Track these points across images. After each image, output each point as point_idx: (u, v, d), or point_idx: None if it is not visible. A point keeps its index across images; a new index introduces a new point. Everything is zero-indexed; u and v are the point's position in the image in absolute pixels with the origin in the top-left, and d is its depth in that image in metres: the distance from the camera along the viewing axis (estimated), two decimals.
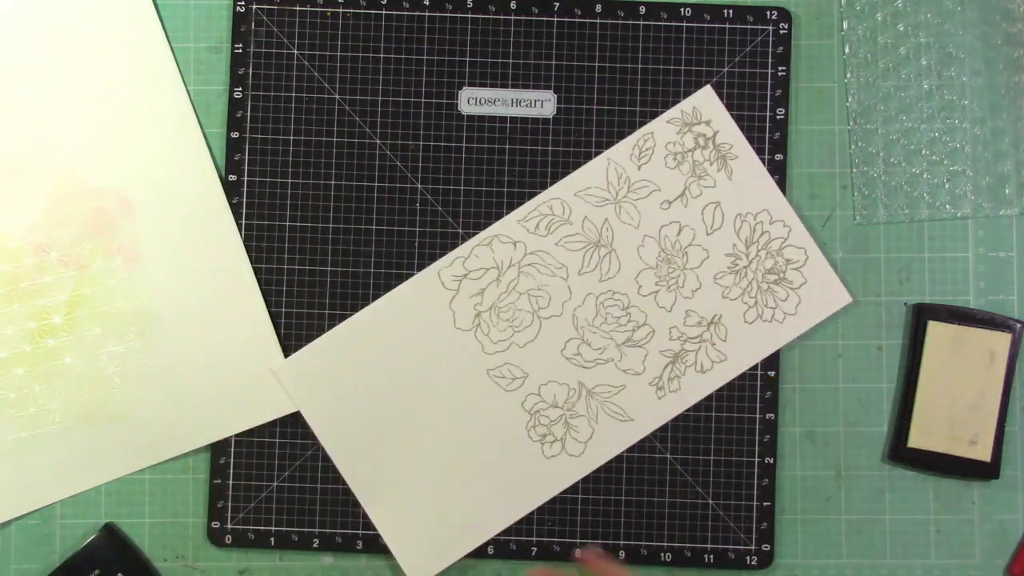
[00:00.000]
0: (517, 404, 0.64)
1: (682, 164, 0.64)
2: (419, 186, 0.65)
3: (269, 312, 0.64)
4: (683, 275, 0.64)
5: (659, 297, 0.64)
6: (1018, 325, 0.64)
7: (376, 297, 0.64)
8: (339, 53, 0.65)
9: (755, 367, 0.65)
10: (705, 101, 0.65)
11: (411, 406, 0.64)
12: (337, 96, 0.65)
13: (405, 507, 0.63)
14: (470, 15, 0.65)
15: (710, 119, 0.64)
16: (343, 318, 0.64)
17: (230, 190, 0.65)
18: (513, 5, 0.65)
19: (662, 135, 0.65)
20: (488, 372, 0.64)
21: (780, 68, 0.65)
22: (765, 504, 0.64)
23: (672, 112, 0.65)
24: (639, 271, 0.64)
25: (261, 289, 0.64)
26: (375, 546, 0.64)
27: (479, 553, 0.64)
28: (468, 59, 0.65)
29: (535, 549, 0.65)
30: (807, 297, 0.64)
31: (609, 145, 0.65)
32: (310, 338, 0.64)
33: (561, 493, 0.65)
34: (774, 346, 0.64)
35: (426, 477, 0.64)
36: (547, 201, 0.64)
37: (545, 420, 0.64)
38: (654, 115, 0.65)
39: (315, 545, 0.64)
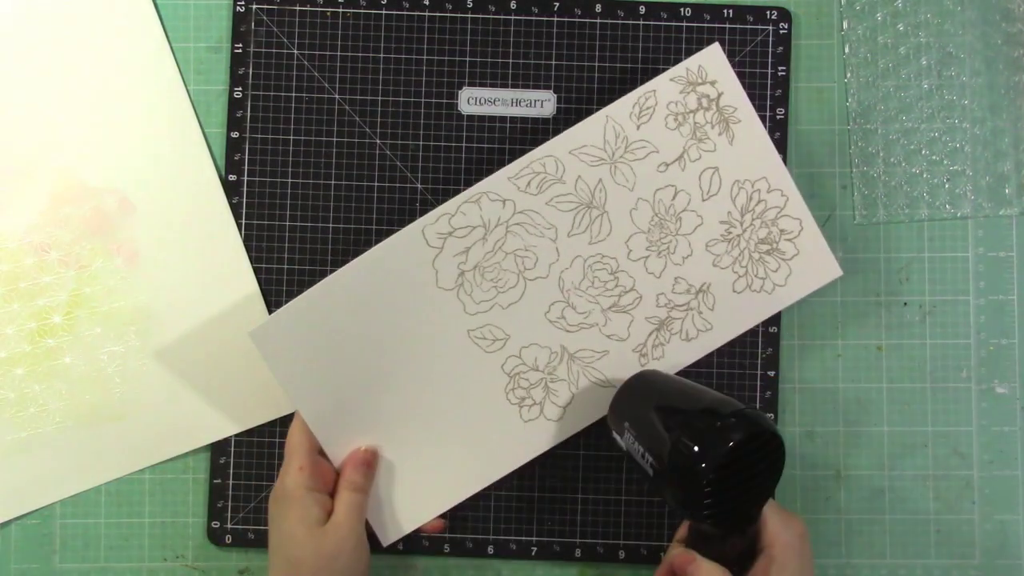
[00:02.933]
0: (497, 366, 0.62)
1: (683, 125, 0.62)
2: (419, 186, 0.65)
3: (269, 312, 0.64)
4: (675, 241, 0.63)
5: (649, 263, 0.63)
6: None
7: None
8: (339, 53, 0.65)
9: (755, 366, 0.65)
10: (712, 59, 0.62)
11: (389, 366, 0.61)
12: (337, 96, 0.65)
13: (379, 468, 0.62)
14: (470, 15, 0.65)
15: (715, 79, 0.62)
16: None
17: (230, 190, 0.65)
18: (513, 5, 0.65)
19: (664, 93, 0.62)
20: (469, 333, 0.62)
21: (780, 68, 0.65)
22: None
23: (676, 70, 0.62)
24: (630, 235, 0.63)
25: (261, 289, 0.64)
26: (374, 545, 0.64)
27: (479, 553, 0.64)
28: (468, 59, 0.65)
29: (535, 549, 0.65)
30: (798, 269, 0.63)
31: None
32: None
33: (561, 493, 0.65)
34: (761, 317, 0.64)
35: (401, 438, 0.62)
36: (540, 158, 0.62)
37: (525, 383, 0.63)
38: None
39: None
